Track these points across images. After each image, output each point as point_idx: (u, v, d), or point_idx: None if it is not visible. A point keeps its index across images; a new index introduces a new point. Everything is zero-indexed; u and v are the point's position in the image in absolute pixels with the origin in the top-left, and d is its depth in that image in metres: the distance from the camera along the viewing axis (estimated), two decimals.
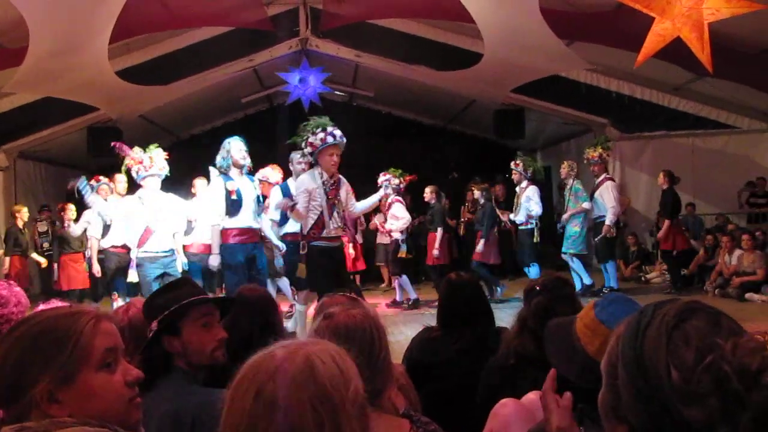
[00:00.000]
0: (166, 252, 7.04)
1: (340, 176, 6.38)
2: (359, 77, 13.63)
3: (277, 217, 7.44)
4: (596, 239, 10.03)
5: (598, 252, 10.16)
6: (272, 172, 8.72)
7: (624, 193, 12.42)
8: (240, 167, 6.56)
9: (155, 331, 2.17)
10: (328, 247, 6.20)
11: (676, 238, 10.08)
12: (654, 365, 0.97)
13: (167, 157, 7.17)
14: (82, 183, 7.98)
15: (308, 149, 6.22)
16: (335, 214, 6.23)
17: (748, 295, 9.07)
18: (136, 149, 7.11)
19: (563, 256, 10.00)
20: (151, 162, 6.99)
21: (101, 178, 9.02)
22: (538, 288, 2.66)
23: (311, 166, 6.56)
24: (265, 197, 7.57)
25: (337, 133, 6.08)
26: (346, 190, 6.43)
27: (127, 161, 7.09)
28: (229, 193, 6.44)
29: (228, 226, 6.48)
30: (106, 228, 8.45)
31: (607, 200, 9.73)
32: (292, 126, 13.42)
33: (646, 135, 12.60)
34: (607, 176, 10.06)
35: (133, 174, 7.05)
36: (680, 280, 10.17)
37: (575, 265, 9.82)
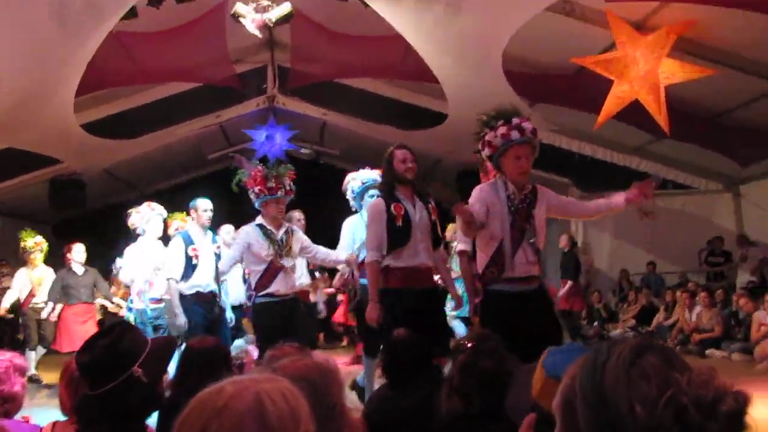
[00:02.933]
0: (291, 296, 5.67)
1: (538, 187, 4.40)
2: (326, 135, 13.73)
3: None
4: None
5: None
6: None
7: (587, 253, 12.57)
8: (406, 182, 4.76)
9: (139, 376, 2.04)
10: (514, 293, 4.16)
11: (576, 298, 10.84)
12: (616, 400, 1.00)
13: (292, 177, 5.84)
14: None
15: (486, 152, 4.31)
16: (525, 243, 4.21)
17: (708, 352, 9.16)
18: (255, 163, 5.82)
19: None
20: (276, 183, 5.62)
21: (154, 205, 7.43)
22: (462, 345, 2.67)
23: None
24: None
25: (527, 126, 4.21)
26: (545, 206, 4.35)
27: (243, 178, 5.80)
28: (394, 218, 4.64)
29: (392, 265, 4.66)
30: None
31: None
32: None
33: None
34: None
35: (251, 196, 5.71)
36: (580, 339, 10.46)
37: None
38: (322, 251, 6.09)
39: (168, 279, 6.42)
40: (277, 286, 5.54)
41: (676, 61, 6.71)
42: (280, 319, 5.46)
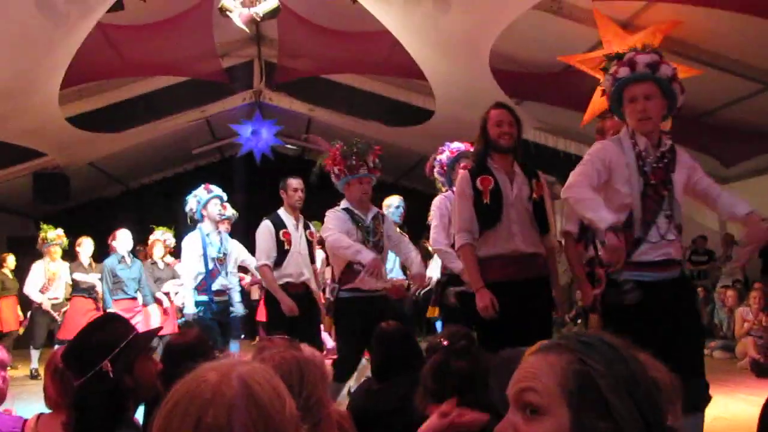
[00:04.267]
0: (379, 292, 4.91)
1: (671, 144, 3.28)
2: (312, 131, 13.68)
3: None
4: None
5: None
6: None
7: None
8: (502, 150, 3.92)
9: (108, 371, 2.04)
10: (646, 282, 3.10)
11: None
12: (643, 377, 1.09)
13: (377, 154, 5.07)
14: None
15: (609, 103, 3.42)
16: (661, 216, 3.18)
17: None
18: (337, 144, 5.01)
19: None
20: (357, 160, 4.87)
21: (212, 187, 6.29)
22: (437, 343, 2.57)
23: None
24: None
25: (642, 59, 3.18)
26: (687, 172, 3.30)
27: (322, 162, 5.12)
28: (480, 194, 3.83)
29: (480, 253, 3.83)
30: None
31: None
32: (243, 178, 13.44)
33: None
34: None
35: (332, 178, 5.00)
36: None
37: None
38: (405, 244, 5.26)
39: (261, 265, 5.45)
40: (364, 280, 4.72)
41: None
42: (365, 317, 4.53)
